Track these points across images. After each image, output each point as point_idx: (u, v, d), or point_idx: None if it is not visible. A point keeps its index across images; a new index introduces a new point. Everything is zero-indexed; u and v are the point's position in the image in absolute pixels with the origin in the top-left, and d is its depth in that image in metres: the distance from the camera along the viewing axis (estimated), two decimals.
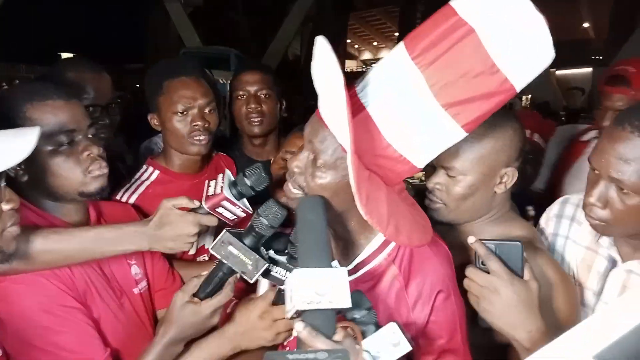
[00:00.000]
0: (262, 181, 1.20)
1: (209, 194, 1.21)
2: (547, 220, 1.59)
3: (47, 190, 1.22)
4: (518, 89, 0.97)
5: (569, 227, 1.52)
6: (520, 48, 0.94)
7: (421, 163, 1.07)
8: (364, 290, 1.03)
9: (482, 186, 1.30)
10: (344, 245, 1.18)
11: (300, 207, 0.93)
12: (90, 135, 1.25)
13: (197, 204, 1.22)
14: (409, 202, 1.16)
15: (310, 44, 0.98)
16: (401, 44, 1.02)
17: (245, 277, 1.10)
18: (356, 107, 1.02)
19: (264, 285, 1.21)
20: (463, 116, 0.99)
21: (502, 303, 1.09)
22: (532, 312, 1.10)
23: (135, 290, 1.39)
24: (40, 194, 1.24)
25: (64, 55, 16.59)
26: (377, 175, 1.04)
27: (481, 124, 1.08)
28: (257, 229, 1.09)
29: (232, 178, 1.23)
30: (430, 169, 1.33)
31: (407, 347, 0.94)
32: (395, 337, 0.94)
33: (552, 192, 2.26)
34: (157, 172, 1.73)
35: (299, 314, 0.80)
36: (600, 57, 16.71)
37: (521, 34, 0.93)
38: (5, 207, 0.99)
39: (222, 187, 1.19)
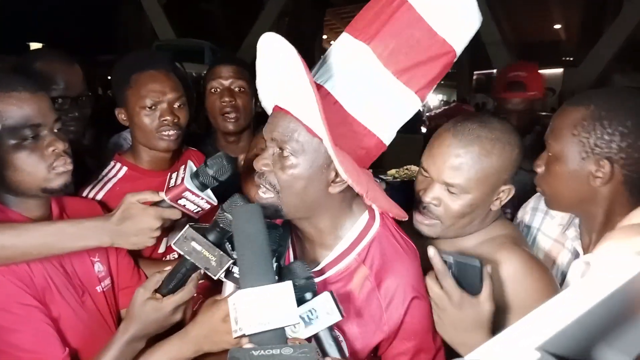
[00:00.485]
0: (224, 171, 1.16)
1: (170, 185, 1.18)
2: (524, 213, 1.63)
3: (8, 184, 1.18)
4: (458, 51, 1.05)
5: (542, 220, 1.56)
6: (452, 12, 1.02)
7: (387, 138, 1.09)
8: (334, 290, 1.02)
9: (482, 204, 1.25)
10: (311, 246, 1.17)
11: (237, 219, 0.88)
12: (56, 130, 1.22)
13: (162, 196, 1.19)
14: (380, 188, 1.17)
15: (287, 39, 0.98)
16: (343, 33, 1.09)
17: (209, 274, 1.07)
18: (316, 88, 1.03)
19: (229, 286, 1.18)
20: (414, 82, 1.05)
21: (449, 320, 1.12)
22: (480, 332, 1.11)
23: (99, 288, 1.36)
24: (1, 189, 1.20)
25: (33, 45, 16.18)
26: (348, 155, 1.05)
27: (486, 142, 1.15)
28: (221, 225, 1.06)
29: (194, 169, 1.20)
30: (423, 179, 1.28)
31: (337, 317, 0.97)
32: (328, 306, 0.97)
33: None
34: (125, 168, 1.70)
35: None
36: (571, 59, 17.11)
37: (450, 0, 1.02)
38: None
39: (182, 177, 1.16)
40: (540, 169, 1.35)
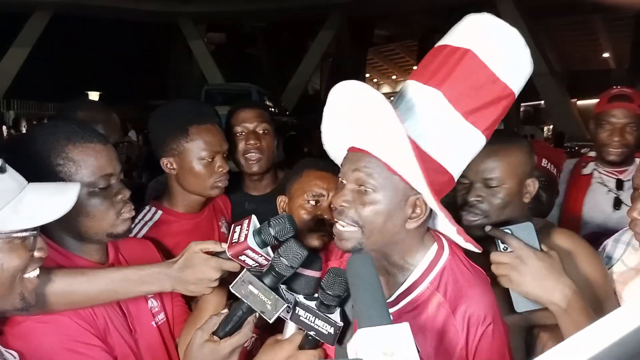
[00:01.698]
0: (286, 232, 1.19)
1: (234, 240, 1.21)
2: (606, 244, 1.63)
3: (76, 230, 1.21)
4: (516, 93, 1.15)
5: (624, 251, 1.56)
6: (510, 59, 1.14)
7: (456, 174, 1.17)
8: (409, 320, 1.02)
9: (516, 194, 1.38)
10: (384, 278, 1.18)
11: (351, 265, 0.92)
12: (120, 178, 1.28)
13: (224, 247, 1.22)
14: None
15: (330, 79, 1.06)
16: (408, 81, 1.19)
17: (265, 317, 1.09)
18: None
19: (291, 328, 1.18)
20: (481, 122, 1.13)
21: (532, 271, 1.20)
22: (561, 275, 1.20)
23: (153, 323, 1.38)
24: (67, 234, 1.23)
25: (91, 94, 17.17)
26: None
27: (507, 144, 1.37)
28: (277, 269, 1.08)
29: (258, 225, 1.23)
30: (462, 186, 1.40)
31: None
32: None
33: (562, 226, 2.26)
34: (159, 212, 1.74)
35: None
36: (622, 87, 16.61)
37: (505, 47, 1.14)
38: (37, 254, 1.00)
39: (246, 234, 1.20)
40: (637, 214, 1.32)
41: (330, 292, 1.09)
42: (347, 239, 1.12)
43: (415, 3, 15.25)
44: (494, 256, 1.23)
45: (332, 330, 1.10)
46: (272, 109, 9.68)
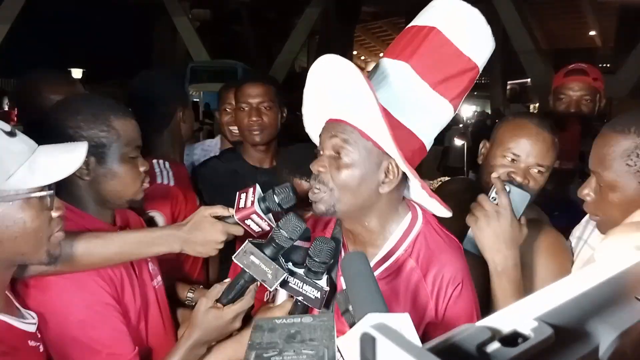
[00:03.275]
0: (289, 200, 1.27)
1: (240, 206, 1.27)
2: (578, 225, 1.65)
3: (104, 193, 1.33)
4: (480, 66, 1.25)
5: (590, 233, 1.57)
6: (472, 36, 1.24)
7: (427, 141, 1.24)
8: (383, 286, 1.05)
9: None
10: (362, 247, 1.26)
11: (345, 262, 0.95)
12: None
13: (231, 211, 1.29)
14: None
15: (317, 57, 1.11)
16: (383, 58, 1.28)
17: (265, 285, 1.17)
18: None
19: (281, 295, 1.29)
20: (448, 92, 1.22)
21: (496, 229, 1.34)
22: (515, 247, 1.35)
23: (154, 284, 1.48)
24: (91, 197, 1.34)
25: (74, 70, 16.86)
26: None
27: (542, 126, 1.49)
28: (277, 241, 1.15)
29: (262, 194, 1.30)
30: (510, 163, 1.49)
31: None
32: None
33: None
34: None
35: None
36: (608, 65, 16.73)
37: (468, 25, 1.24)
38: (55, 214, 1.07)
39: (252, 200, 1.26)
40: (589, 198, 1.37)
41: (317, 259, 1.16)
42: (320, 201, 1.19)
43: None
44: (481, 198, 1.38)
45: (318, 295, 1.17)
46: None
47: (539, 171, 1.48)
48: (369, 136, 1.15)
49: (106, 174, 1.30)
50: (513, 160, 1.50)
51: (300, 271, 1.21)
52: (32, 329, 1.12)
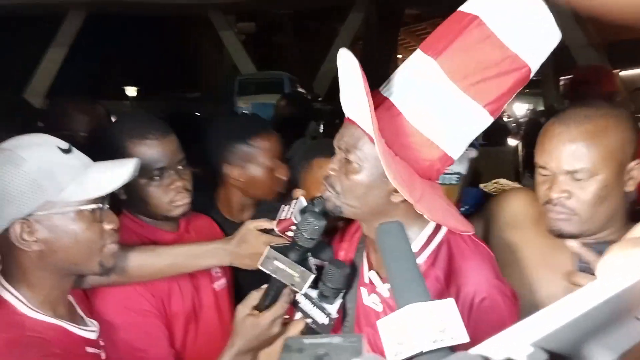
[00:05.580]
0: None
1: (281, 218, 1.28)
2: None
3: (142, 210, 1.44)
4: (533, 67, 1.04)
5: None
6: (527, 28, 1.02)
7: (454, 151, 1.09)
8: None
9: (615, 185, 1.16)
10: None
11: (381, 235, 0.85)
12: (180, 167, 1.43)
13: (274, 224, 1.30)
14: (445, 200, 1.15)
15: (361, 62, 1.02)
16: (417, 50, 1.11)
17: (295, 289, 1.15)
18: (379, 99, 1.07)
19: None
20: (483, 96, 1.04)
21: None
22: None
23: (215, 286, 1.53)
24: (137, 211, 1.45)
25: (128, 89, 17.54)
26: (409, 165, 1.07)
27: (597, 119, 1.14)
28: (299, 242, 1.13)
29: (304, 204, 1.31)
30: (543, 179, 1.22)
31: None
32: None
33: None
34: None
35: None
36: None
37: (523, 14, 1.02)
38: (107, 226, 1.13)
39: (292, 212, 1.27)
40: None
41: (329, 285, 1.13)
42: (327, 199, 1.15)
43: None
44: (578, 279, 1.10)
45: (326, 321, 1.13)
46: (305, 96, 9.70)
47: (576, 179, 1.16)
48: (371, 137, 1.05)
49: (133, 195, 1.39)
50: (544, 175, 1.22)
51: (314, 293, 1.18)
52: (92, 336, 1.17)
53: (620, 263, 0.93)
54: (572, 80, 2.57)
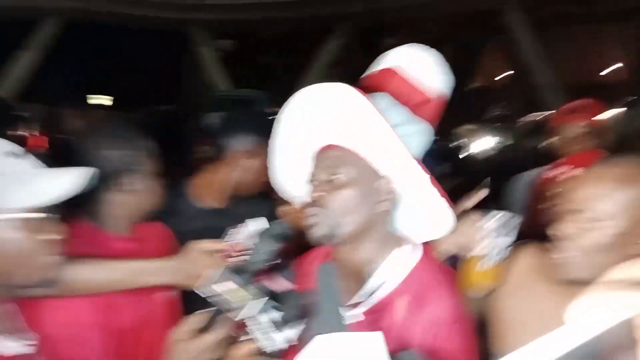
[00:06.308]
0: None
1: (229, 241, 1.27)
2: None
3: (104, 216, 1.42)
4: (433, 98, 1.27)
5: None
6: (426, 72, 1.30)
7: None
8: (375, 319, 1.00)
9: (630, 236, 1.07)
10: (356, 278, 1.19)
11: (321, 274, 0.89)
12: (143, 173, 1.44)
13: (221, 246, 1.28)
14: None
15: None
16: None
17: (230, 316, 1.08)
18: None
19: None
20: (422, 114, 1.26)
21: None
22: None
23: (162, 298, 1.48)
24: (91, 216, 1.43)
25: (102, 97, 17.26)
26: None
27: (620, 169, 1.10)
28: (246, 266, 1.11)
29: (254, 228, 1.24)
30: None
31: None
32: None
33: None
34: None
35: None
36: (636, 98, 16.41)
37: (424, 63, 1.31)
38: (49, 237, 1.07)
39: (241, 236, 1.24)
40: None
41: (279, 312, 1.05)
42: (318, 224, 1.14)
43: (424, 13, 15.30)
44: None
45: (270, 349, 1.03)
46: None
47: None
48: (362, 156, 1.16)
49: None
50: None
51: (265, 317, 1.07)
52: (27, 350, 1.09)
53: (594, 307, 0.90)
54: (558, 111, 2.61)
